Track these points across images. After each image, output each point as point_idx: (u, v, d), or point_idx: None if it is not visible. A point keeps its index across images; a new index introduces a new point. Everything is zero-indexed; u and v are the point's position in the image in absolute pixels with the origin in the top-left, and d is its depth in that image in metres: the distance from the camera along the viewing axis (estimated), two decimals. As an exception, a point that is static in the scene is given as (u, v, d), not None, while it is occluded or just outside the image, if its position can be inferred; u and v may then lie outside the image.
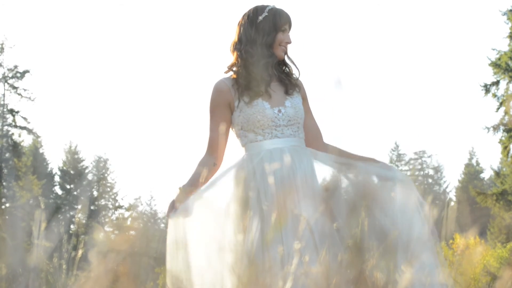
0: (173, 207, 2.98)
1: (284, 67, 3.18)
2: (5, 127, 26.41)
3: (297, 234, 2.70)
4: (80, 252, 2.39)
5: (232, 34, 3.19)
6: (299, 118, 3.07)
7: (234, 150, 3.16)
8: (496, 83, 20.24)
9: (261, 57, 3.06)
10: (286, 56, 3.16)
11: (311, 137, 3.19)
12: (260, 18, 3.10)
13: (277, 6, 3.17)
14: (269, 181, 2.88)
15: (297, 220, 2.77)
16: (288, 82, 3.12)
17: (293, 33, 3.19)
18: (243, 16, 3.15)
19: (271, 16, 3.10)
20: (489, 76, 23.88)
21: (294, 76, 3.17)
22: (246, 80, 3.06)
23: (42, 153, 38.37)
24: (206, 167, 3.10)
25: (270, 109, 3.03)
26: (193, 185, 3.04)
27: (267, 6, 3.14)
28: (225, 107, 3.10)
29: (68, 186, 37.24)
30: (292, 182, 2.90)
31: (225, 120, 3.10)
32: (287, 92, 3.10)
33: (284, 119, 3.03)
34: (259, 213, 2.86)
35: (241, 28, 3.12)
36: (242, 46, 3.10)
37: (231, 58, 3.15)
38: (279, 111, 3.04)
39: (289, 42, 3.12)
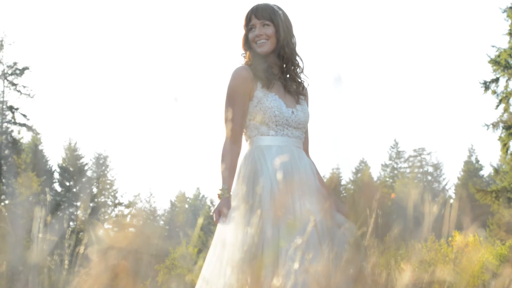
0: (219, 214, 2.92)
1: (292, 68, 3.15)
2: (5, 124, 26.39)
3: (301, 231, 2.70)
4: (81, 249, 2.39)
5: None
6: (306, 123, 3.14)
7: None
8: (496, 80, 20.21)
9: (254, 57, 3.12)
10: (289, 54, 3.13)
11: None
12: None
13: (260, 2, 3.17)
14: (278, 177, 2.89)
15: (301, 217, 2.79)
16: (296, 94, 3.16)
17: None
18: None
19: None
20: (489, 73, 23.86)
21: (302, 83, 3.20)
22: (256, 69, 3.08)
23: (42, 150, 38.33)
24: (235, 157, 3.04)
25: (286, 108, 3.07)
26: (231, 184, 3.01)
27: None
28: (246, 95, 3.06)
29: (67, 183, 37.21)
30: (299, 179, 2.93)
31: (246, 108, 3.07)
32: (298, 101, 3.15)
33: (295, 121, 3.08)
34: (264, 209, 2.86)
35: None
36: None
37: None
38: (292, 112, 3.08)
39: (257, 37, 3.11)
